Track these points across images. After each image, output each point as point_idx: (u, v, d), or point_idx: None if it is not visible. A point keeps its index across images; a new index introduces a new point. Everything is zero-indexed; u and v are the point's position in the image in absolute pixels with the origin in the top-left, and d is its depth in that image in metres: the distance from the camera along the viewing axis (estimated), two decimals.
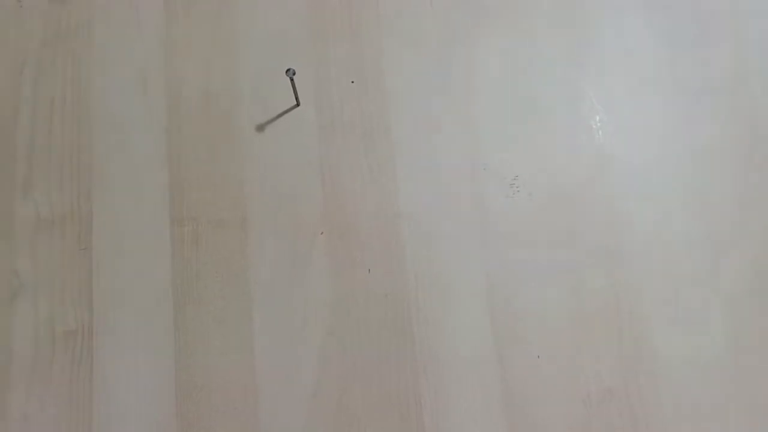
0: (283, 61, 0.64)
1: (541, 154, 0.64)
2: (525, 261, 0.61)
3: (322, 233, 0.61)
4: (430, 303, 0.60)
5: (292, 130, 0.63)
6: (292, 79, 0.59)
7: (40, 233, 0.59)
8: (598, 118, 0.65)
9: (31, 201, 0.60)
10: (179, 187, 0.61)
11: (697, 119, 0.65)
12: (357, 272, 0.60)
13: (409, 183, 0.63)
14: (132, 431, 0.56)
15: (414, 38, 0.66)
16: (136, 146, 0.62)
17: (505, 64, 0.66)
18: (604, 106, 0.65)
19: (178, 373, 0.57)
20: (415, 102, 0.65)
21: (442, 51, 0.66)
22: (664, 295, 0.61)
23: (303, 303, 0.59)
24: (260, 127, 0.63)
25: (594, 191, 0.63)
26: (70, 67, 0.63)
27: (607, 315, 0.60)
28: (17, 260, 0.59)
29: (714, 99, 0.66)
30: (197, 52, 0.65)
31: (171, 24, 0.65)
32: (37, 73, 0.62)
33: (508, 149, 0.64)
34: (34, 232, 0.59)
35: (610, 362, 0.59)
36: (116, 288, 0.59)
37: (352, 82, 0.65)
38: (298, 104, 0.64)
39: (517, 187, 0.63)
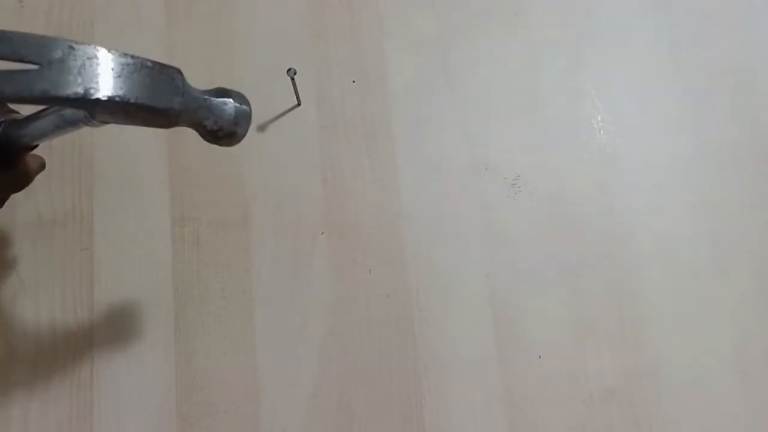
0: (284, 61, 0.64)
1: (542, 154, 0.64)
2: (526, 261, 0.61)
3: (323, 233, 0.61)
4: (431, 303, 0.60)
5: (294, 130, 0.63)
6: (293, 79, 0.59)
7: (40, 233, 0.59)
8: (599, 117, 0.65)
9: (31, 201, 0.60)
10: (180, 187, 0.61)
11: (700, 119, 0.65)
12: (358, 272, 0.60)
13: (410, 183, 0.63)
14: (133, 431, 0.56)
15: (415, 38, 0.66)
16: (137, 146, 0.62)
17: (507, 64, 0.66)
18: (605, 106, 0.65)
19: (178, 373, 0.57)
20: (416, 102, 0.65)
21: (444, 50, 0.66)
22: (666, 296, 0.61)
23: (304, 303, 0.59)
24: (261, 127, 0.63)
25: (596, 191, 0.63)
26: None
27: (609, 315, 0.60)
28: (18, 260, 0.59)
29: (717, 99, 0.66)
30: (198, 51, 0.65)
31: (172, 24, 0.65)
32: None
33: (509, 149, 0.64)
34: (35, 232, 0.59)
35: (612, 363, 0.59)
36: (117, 288, 0.59)
37: (354, 81, 0.65)
38: (299, 104, 0.64)
39: (518, 188, 0.63)
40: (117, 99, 0.36)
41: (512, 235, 0.62)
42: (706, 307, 0.61)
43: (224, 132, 0.42)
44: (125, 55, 0.37)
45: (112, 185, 0.61)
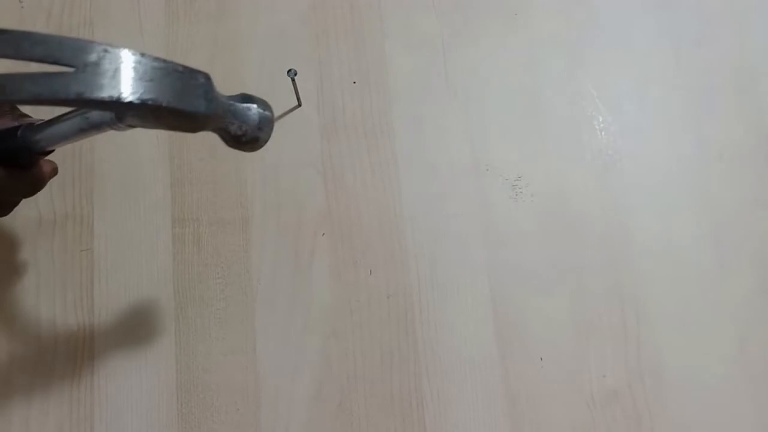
0: (285, 62, 0.64)
1: (544, 154, 0.64)
2: (528, 262, 0.61)
3: (323, 234, 0.61)
4: (432, 304, 0.59)
5: (294, 131, 0.63)
6: (293, 80, 0.59)
7: (41, 234, 0.59)
8: (601, 118, 0.65)
9: (32, 202, 0.60)
10: (180, 187, 0.61)
11: (702, 120, 0.65)
12: (359, 273, 0.60)
13: (411, 184, 0.62)
14: None
15: (416, 38, 0.66)
16: (138, 146, 0.62)
17: (508, 64, 0.66)
18: (607, 107, 0.65)
19: (179, 374, 0.57)
20: (417, 102, 0.65)
21: (445, 51, 0.66)
22: (668, 297, 0.61)
23: (305, 304, 0.59)
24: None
25: (597, 192, 0.63)
26: None
27: (611, 317, 0.60)
28: (18, 261, 0.59)
29: (720, 99, 0.66)
30: (198, 52, 0.65)
31: (171, 24, 0.65)
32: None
33: (510, 150, 0.64)
34: (36, 232, 0.59)
35: (615, 364, 0.59)
36: (118, 289, 0.59)
37: (354, 82, 0.65)
38: (299, 105, 0.63)
39: (519, 189, 0.62)
40: (149, 102, 0.36)
41: (514, 236, 0.62)
42: (708, 308, 0.61)
43: (248, 137, 0.43)
44: (157, 59, 0.37)
45: (112, 186, 0.61)
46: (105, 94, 0.35)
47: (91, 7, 0.65)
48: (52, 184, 0.60)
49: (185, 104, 0.38)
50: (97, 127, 0.42)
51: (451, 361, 0.58)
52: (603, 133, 0.64)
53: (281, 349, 0.58)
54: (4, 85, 0.34)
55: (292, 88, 0.60)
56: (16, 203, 0.53)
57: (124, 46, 0.37)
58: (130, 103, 0.36)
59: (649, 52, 0.67)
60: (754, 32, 0.67)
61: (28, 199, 0.59)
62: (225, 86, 0.63)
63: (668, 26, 0.67)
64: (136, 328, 0.58)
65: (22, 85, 0.35)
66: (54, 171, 0.52)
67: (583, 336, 0.59)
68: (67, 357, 0.57)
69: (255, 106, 0.43)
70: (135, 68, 0.36)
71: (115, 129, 0.41)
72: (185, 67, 0.39)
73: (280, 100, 0.63)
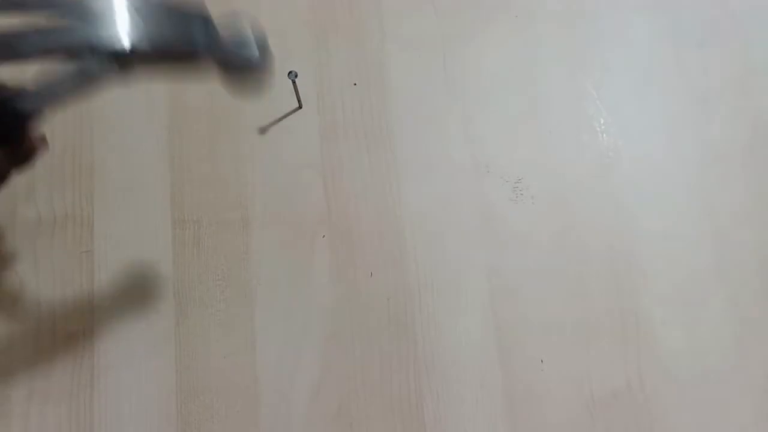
0: (285, 63, 0.64)
1: (544, 156, 0.64)
2: (529, 264, 0.61)
3: (324, 236, 0.61)
4: (432, 307, 0.59)
5: (294, 133, 0.63)
6: (294, 82, 0.59)
7: (41, 235, 0.60)
8: (602, 120, 0.65)
9: (32, 203, 0.60)
10: (181, 189, 0.61)
11: (703, 120, 0.65)
12: (359, 275, 0.60)
13: (411, 186, 0.62)
14: None
15: (416, 39, 0.66)
16: (138, 148, 0.62)
17: (509, 66, 0.66)
18: (608, 108, 0.65)
19: (179, 376, 0.57)
20: (418, 104, 0.65)
21: (445, 52, 0.66)
22: (669, 299, 0.60)
23: (305, 306, 0.59)
24: (263, 129, 0.63)
25: (598, 193, 0.63)
26: None
27: (612, 318, 0.60)
28: (18, 262, 0.59)
29: (720, 100, 0.66)
30: None
31: None
32: (39, 74, 0.63)
33: (510, 151, 0.64)
34: (35, 233, 0.59)
35: (615, 366, 0.59)
36: (117, 290, 0.59)
37: (355, 84, 0.65)
38: (300, 106, 0.63)
39: (520, 191, 0.62)
40: (153, 43, 0.37)
41: (514, 238, 0.61)
42: (709, 310, 0.60)
43: (252, 65, 0.43)
44: (156, 2, 0.38)
45: (112, 187, 0.61)
46: (112, 39, 0.36)
47: None
48: (52, 185, 0.60)
49: (186, 43, 0.38)
50: (95, 79, 0.41)
51: (451, 363, 0.58)
52: (604, 134, 0.64)
53: (281, 350, 0.58)
54: (12, 42, 0.35)
55: (293, 90, 0.60)
56: (8, 176, 0.52)
57: None
58: (136, 46, 0.36)
59: (650, 53, 0.67)
60: (753, 33, 0.67)
61: (28, 200, 0.60)
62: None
63: (668, 27, 0.67)
64: (135, 329, 0.58)
65: (31, 39, 0.35)
66: (45, 145, 0.50)
67: (583, 337, 0.59)
68: (66, 358, 0.57)
69: (252, 36, 0.43)
70: (138, 12, 0.37)
71: (115, 80, 0.41)
72: (182, 7, 0.39)
73: (280, 101, 0.63)
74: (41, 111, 0.44)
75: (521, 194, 0.62)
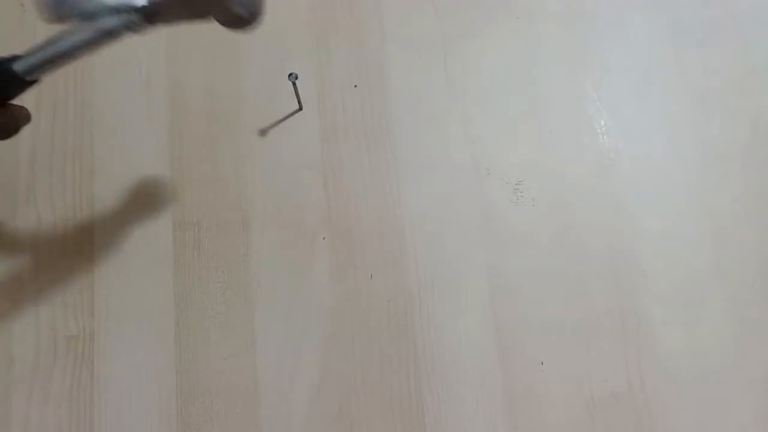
0: (286, 65, 0.64)
1: (545, 157, 0.64)
2: (529, 265, 0.61)
3: (324, 238, 0.61)
4: (432, 308, 0.59)
5: (295, 134, 0.63)
6: (294, 84, 0.58)
7: (41, 236, 0.59)
8: (602, 121, 0.65)
9: (32, 205, 0.60)
10: (181, 191, 0.61)
11: (703, 120, 0.65)
12: (359, 277, 0.60)
13: (411, 187, 0.62)
14: None
15: (416, 39, 0.66)
16: (139, 150, 0.62)
17: (509, 66, 0.66)
18: (608, 108, 0.65)
19: (179, 378, 0.57)
20: (418, 104, 0.65)
21: (445, 52, 0.66)
22: (669, 299, 0.61)
23: (305, 307, 0.59)
24: (263, 131, 0.63)
25: (599, 194, 0.63)
26: (72, 70, 0.63)
27: (612, 318, 0.60)
28: (18, 263, 0.59)
29: (720, 100, 0.65)
30: (200, 57, 0.65)
31: (173, 27, 0.65)
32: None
33: (511, 153, 0.64)
34: (36, 235, 0.59)
35: (615, 368, 0.59)
36: (118, 292, 0.59)
37: (355, 85, 0.65)
38: (300, 108, 0.63)
39: (521, 192, 0.62)
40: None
41: (515, 239, 0.61)
42: (709, 310, 0.60)
43: (250, 14, 0.47)
44: None
45: (112, 189, 0.61)
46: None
47: None
48: (52, 187, 0.60)
49: None
50: (112, 34, 0.44)
51: (451, 363, 0.58)
52: (604, 136, 0.64)
53: (281, 352, 0.58)
54: (67, 2, 0.40)
55: (293, 91, 0.60)
56: None
57: None
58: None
59: (650, 54, 0.67)
60: (753, 33, 0.67)
61: (28, 201, 0.60)
62: (226, 87, 0.64)
63: (668, 27, 0.67)
64: (136, 331, 0.58)
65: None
66: (27, 118, 0.51)
67: (583, 339, 0.59)
68: (66, 359, 0.57)
69: None
70: None
71: (132, 31, 0.44)
72: None
73: (281, 103, 0.63)
74: (34, 75, 0.46)
75: (521, 195, 0.62)
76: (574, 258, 0.61)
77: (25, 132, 0.62)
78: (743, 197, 0.63)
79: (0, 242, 0.59)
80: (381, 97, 0.64)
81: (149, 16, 0.44)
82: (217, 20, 0.47)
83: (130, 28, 0.44)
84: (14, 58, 0.46)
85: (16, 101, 0.49)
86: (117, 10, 0.43)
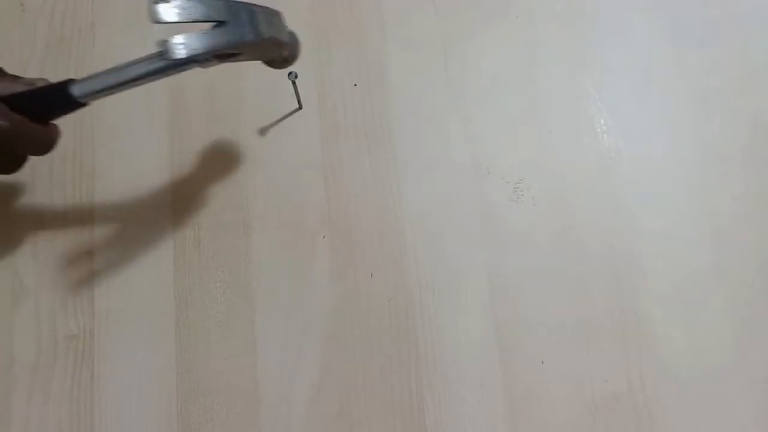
0: None
1: (545, 157, 0.64)
2: (529, 264, 0.61)
3: (324, 237, 0.61)
4: (433, 308, 0.59)
5: (295, 134, 0.63)
6: (294, 83, 0.58)
7: (42, 236, 0.60)
8: (602, 120, 0.65)
9: (33, 204, 0.60)
10: (181, 190, 0.61)
11: (703, 120, 0.65)
12: (359, 276, 0.60)
13: (412, 186, 0.62)
14: None
15: (416, 39, 0.66)
16: (139, 150, 0.62)
17: (509, 67, 0.66)
18: (608, 108, 0.65)
19: (179, 378, 0.57)
20: (418, 104, 0.65)
21: (446, 53, 0.66)
22: (669, 300, 0.60)
23: (305, 307, 0.59)
24: (263, 131, 0.63)
25: (599, 194, 0.63)
26: (72, 71, 0.63)
27: (612, 318, 0.60)
28: (19, 263, 0.59)
29: (720, 100, 0.65)
30: None
31: (173, 28, 0.65)
32: (40, 76, 0.63)
33: (511, 152, 0.63)
34: (36, 234, 0.59)
35: (616, 368, 0.59)
36: (118, 292, 0.59)
37: (355, 85, 0.65)
38: (300, 107, 0.63)
39: (521, 192, 0.62)
40: (268, 37, 0.49)
41: (515, 239, 0.61)
42: (709, 309, 0.60)
43: (291, 56, 0.54)
44: (262, 7, 0.50)
45: (113, 189, 0.61)
46: (248, 37, 0.47)
47: (92, 10, 0.65)
48: (53, 187, 0.61)
49: (282, 36, 0.51)
50: (179, 67, 0.48)
51: (452, 363, 0.58)
52: (605, 135, 0.64)
53: (281, 352, 0.58)
54: (189, 44, 0.45)
55: (293, 90, 0.60)
56: (25, 161, 0.56)
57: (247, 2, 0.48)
58: (263, 39, 0.48)
59: (650, 53, 0.67)
60: (753, 33, 0.67)
61: (29, 201, 0.60)
62: (226, 87, 0.64)
63: (668, 27, 0.67)
64: (136, 331, 0.58)
65: (202, 41, 0.45)
66: (59, 134, 0.54)
67: (583, 339, 0.59)
68: (66, 359, 0.57)
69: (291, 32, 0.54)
70: (261, 14, 0.49)
71: (199, 65, 0.47)
72: (274, 10, 0.52)
73: (280, 103, 0.63)
74: (89, 98, 0.50)
75: (522, 195, 0.62)
76: (574, 258, 0.61)
77: None
78: (743, 197, 0.63)
79: (0, 242, 0.59)
80: (381, 97, 0.64)
81: (219, 55, 0.47)
82: (265, 62, 0.53)
83: (198, 61, 0.47)
84: (71, 81, 0.49)
85: None
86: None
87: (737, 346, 0.60)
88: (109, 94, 0.50)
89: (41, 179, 0.61)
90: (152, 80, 0.49)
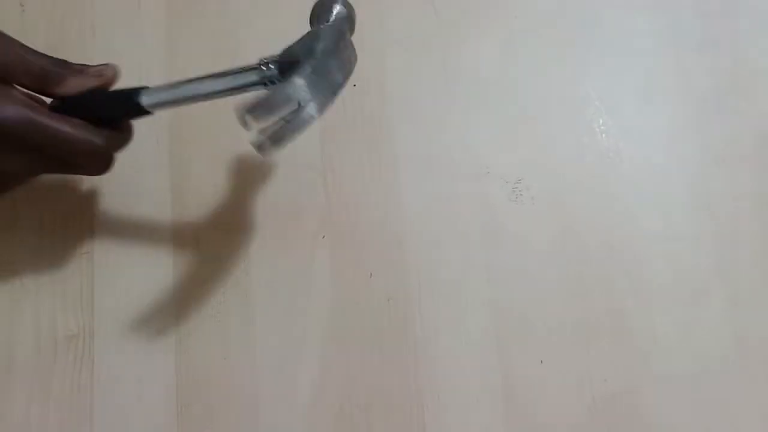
0: None
1: (544, 157, 0.64)
2: (529, 265, 0.61)
3: (323, 237, 0.61)
4: (432, 308, 0.59)
5: None
6: None
7: (42, 237, 0.60)
8: (601, 121, 0.65)
9: (33, 204, 0.60)
10: (181, 190, 0.61)
11: (704, 121, 0.65)
12: (359, 276, 0.60)
13: (411, 187, 0.62)
14: None
15: (416, 40, 0.66)
16: (138, 149, 0.62)
17: (509, 67, 0.66)
18: (608, 109, 0.65)
19: (179, 378, 0.57)
20: (417, 105, 0.65)
21: (445, 53, 0.66)
22: (669, 300, 0.61)
23: (304, 307, 0.59)
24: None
25: (598, 194, 0.63)
26: None
27: (612, 318, 0.60)
28: (19, 264, 0.59)
29: (720, 100, 0.65)
30: (199, 55, 0.65)
31: (172, 28, 0.65)
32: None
33: (510, 152, 0.64)
34: (36, 235, 0.60)
35: (616, 368, 0.59)
36: (118, 292, 0.59)
37: (354, 85, 0.65)
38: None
39: (520, 192, 0.62)
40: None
41: (514, 239, 0.61)
42: (710, 311, 0.60)
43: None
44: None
45: (113, 189, 0.61)
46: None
47: (92, 11, 0.65)
48: (53, 188, 0.61)
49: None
50: (247, 88, 0.48)
51: (452, 364, 0.58)
52: (604, 135, 0.64)
53: (281, 352, 0.58)
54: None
55: None
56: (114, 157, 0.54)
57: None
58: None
59: (651, 55, 0.67)
60: (754, 34, 0.67)
61: (29, 202, 0.60)
62: None
63: (669, 28, 0.67)
64: (135, 331, 0.58)
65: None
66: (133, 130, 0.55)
67: (583, 339, 0.59)
68: (66, 359, 0.57)
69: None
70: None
71: (264, 87, 0.48)
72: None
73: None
74: (155, 108, 0.50)
75: (521, 195, 0.62)
76: (573, 258, 0.61)
77: None
78: (743, 197, 0.63)
79: (0, 242, 0.59)
80: (381, 97, 0.64)
81: (282, 72, 0.47)
82: None
83: (264, 83, 0.47)
84: (142, 89, 0.49)
85: None
86: (260, 67, 0.47)
87: (737, 346, 0.60)
88: (175, 107, 0.49)
89: (40, 178, 0.60)
90: (220, 98, 0.49)
